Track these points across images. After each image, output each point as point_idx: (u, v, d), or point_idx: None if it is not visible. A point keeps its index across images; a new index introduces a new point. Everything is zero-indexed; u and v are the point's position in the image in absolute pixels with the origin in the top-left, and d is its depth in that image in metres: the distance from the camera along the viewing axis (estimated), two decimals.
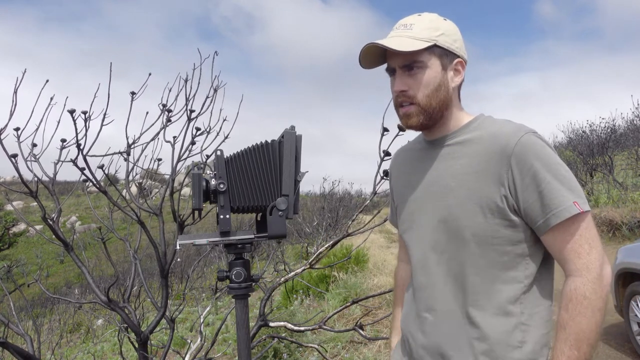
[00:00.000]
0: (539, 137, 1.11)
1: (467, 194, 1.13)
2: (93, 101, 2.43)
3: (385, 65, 1.23)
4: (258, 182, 1.36)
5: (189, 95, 2.70)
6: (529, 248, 1.12)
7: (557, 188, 1.06)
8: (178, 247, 1.35)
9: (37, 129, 2.41)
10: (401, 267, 1.50)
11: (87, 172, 2.44)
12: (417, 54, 1.14)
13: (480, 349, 1.11)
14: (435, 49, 1.16)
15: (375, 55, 1.21)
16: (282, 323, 2.63)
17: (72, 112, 2.32)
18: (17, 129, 2.41)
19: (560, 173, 1.08)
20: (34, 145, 2.43)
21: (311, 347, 2.99)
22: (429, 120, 1.19)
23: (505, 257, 1.11)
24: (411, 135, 1.35)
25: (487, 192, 1.10)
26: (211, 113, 2.76)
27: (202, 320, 3.08)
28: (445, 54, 1.17)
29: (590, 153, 12.30)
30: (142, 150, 2.66)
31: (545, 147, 1.10)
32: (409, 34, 1.15)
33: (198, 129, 2.71)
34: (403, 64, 1.16)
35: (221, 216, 1.32)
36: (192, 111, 2.69)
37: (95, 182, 2.48)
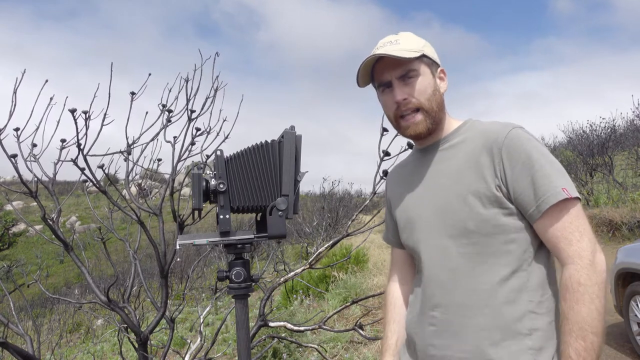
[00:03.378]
0: (526, 131, 1.18)
1: (465, 188, 1.17)
2: (93, 101, 2.43)
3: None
4: (258, 182, 1.36)
5: (190, 95, 2.70)
6: (531, 236, 1.15)
7: (546, 174, 1.10)
8: (178, 247, 1.35)
9: (37, 129, 2.41)
10: (393, 287, 1.47)
11: (87, 172, 2.43)
12: (411, 63, 1.21)
13: (492, 338, 1.12)
14: (424, 58, 1.24)
15: (366, 73, 1.27)
16: (282, 323, 2.63)
17: (72, 111, 2.32)
18: (16, 129, 2.41)
19: (549, 161, 1.12)
20: (34, 145, 2.43)
21: (311, 347, 3.00)
22: (434, 123, 1.24)
23: (509, 246, 1.14)
24: None
25: (484, 184, 1.15)
26: (211, 113, 2.76)
27: (202, 320, 3.08)
28: (431, 63, 1.26)
29: (590, 153, 12.30)
30: (142, 150, 2.66)
31: (532, 139, 1.15)
32: (399, 47, 1.21)
33: (198, 129, 2.71)
34: (400, 75, 1.22)
35: (221, 216, 1.32)
36: (192, 111, 2.69)
37: (95, 182, 2.48)
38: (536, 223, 1.12)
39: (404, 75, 1.21)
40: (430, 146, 1.29)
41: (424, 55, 1.22)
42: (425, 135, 1.26)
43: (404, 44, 1.22)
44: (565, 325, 1.06)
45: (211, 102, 2.76)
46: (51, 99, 2.40)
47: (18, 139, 2.41)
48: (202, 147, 2.75)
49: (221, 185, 1.31)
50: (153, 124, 2.65)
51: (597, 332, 1.03)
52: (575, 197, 1.09)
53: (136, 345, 2.58)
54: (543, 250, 1.17)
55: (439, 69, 1.27)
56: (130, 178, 2.66)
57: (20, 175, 2.37)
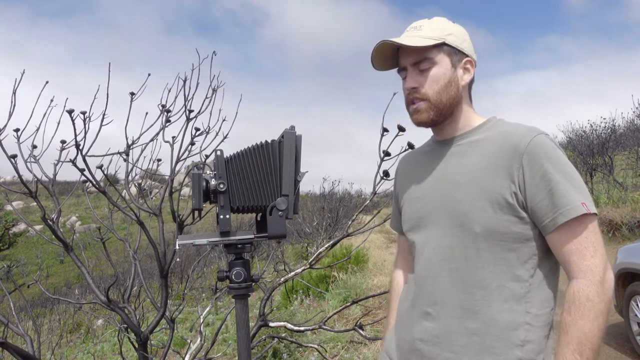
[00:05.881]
0: (551, 139, 1.14)
1: (477, 189, 1.14)
2: (93, 102, 2.42)
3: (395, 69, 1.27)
4: (258, 182, 1.36)
5: (188, 95, 2.69)
6: (537, 247, 1.13)
7: (566, 188, 1.08)
8: (177, 247, 1.35)
9: (37, 130, 2.40)
10: (397, 274, 1.49)
11: (86, 172, 2.43)
12: (426, 50, 1.18)
13: (483, 344, 1.11)
14: (444, 47, 1.20)
15: (387, 57, 1.25)
16: (282, 323, 2.63)
17: (70, 112, 2.31)
18: (17, 130, 2.40)
19: (570, 175, 1.10)
20: (34, 147, 2.43)
21: (311, 347, 2.99)
22: (439, 116, 1.22)
23: (513, 255, 1.12)
24: (412, 135, 1.36)
25: (498, 188, 1.12)
26: (210, 113, 2.76)
27: (202, 320, 3.08)
28: (454, 52, 1.21)
29: (590, 153, 12.29)
30: (142, 151, 2.66)
31: (557, 149, 1.13)
32: (419, 33, 1.20)
33: (197, 129, 2.71)
34: (414, 62, 1.20)
35: (221, 216, 1.32)
36: (190, 111, 2.69)
37: (94, 183, 2.48)
38: (550, 235, 1.10)
39: (417, 62, 1.19)
40: (448, 140, 1.26)
41: (444, 44, 1.19)
42: (429, 125, 1.25)
43: (426, 30, 1.20)
44: (564, 338, 1.05)
45: (210, 102, 2.76)
46: (51, 100, 2.40)
47: (18, 140, 2.41)
48: (201, 147, 2.75)
49: (221, 185, 1.31)
50: (153, 124, 2.65)
51: (594, 348, 1.03)
52: (594, 213, 1.08)
53: (136, 345, 2.58)
54: (547, 263, 1.15)
55: (464, 59, 1.22)
56: (130, 178, 2.66)
57: (20, 176, 2.37)
